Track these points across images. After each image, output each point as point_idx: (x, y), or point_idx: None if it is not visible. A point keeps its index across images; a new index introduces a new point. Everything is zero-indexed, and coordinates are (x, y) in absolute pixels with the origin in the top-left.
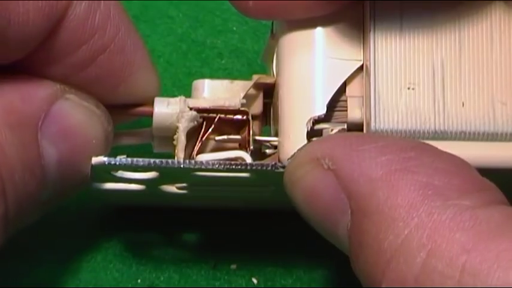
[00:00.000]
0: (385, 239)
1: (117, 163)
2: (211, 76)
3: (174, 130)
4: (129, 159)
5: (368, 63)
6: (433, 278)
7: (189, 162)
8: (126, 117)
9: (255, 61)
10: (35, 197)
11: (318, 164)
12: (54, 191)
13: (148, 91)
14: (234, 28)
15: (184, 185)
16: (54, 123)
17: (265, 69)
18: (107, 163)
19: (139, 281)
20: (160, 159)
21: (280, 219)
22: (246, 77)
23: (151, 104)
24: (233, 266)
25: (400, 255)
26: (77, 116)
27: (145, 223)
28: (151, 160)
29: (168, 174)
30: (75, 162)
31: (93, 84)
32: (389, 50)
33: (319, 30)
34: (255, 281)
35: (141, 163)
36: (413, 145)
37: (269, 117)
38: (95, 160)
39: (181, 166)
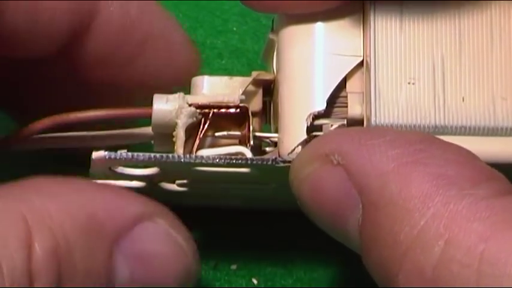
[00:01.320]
0: (401, 231)
1: (118, 157)
2: None
3: (174, 127)
4: (130, 154)
5: (368, 58)
6: (452, 268)
7: (190, 156)
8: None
9: (255, 61)
10: None
11: (327, 161)
12: None
13: (191, 67)
14: (234, 28)
15: (184, 181)
16: (133, 243)
17: (265, 69)
18: (107, 157)
19: None
20: (160, 154)
21: (280, 219)
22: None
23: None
24: (233, 266)
25: (417, 246)
26: (159, 243)
27: None
28: (152, 154)
29: (169, 170)
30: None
31: (146, 75)
32: (389, 45)
33: (319, 26)
34: (255, 281)
35: (142, 157)
36: (422, 138)
37: (269, 115)
38: (95, 155)
39: (182, 160)
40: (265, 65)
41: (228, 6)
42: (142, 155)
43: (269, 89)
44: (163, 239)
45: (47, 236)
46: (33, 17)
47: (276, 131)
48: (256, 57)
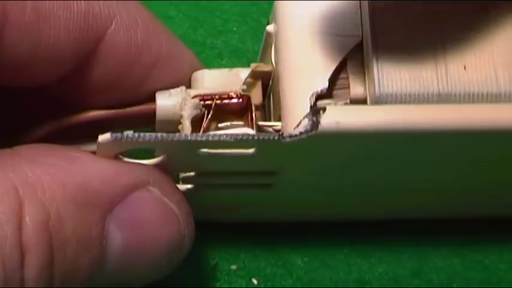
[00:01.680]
0: None
1: (124, 137)
2: None
3: (177, 122)
4: (136, 134)
5: (368, 37)
6: None
7: (196, 135)
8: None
9: (255, 61)
10: (87, 274)
11: None
12: (115, 279)
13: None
14: (234, 28)
15: (192, 174)
16: (127, 210)
17: None
18: (113, 138)
19: None
20: (167, 133)
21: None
22: None
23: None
24: (233, 267)
25: None
26: (152, 209)
27: None
28: (158, 134)
29: (175, 156)
30: (140, 255)
31: (151, 98)
32: (388, 21)
33: (317, 7)
34: (255, 281)
35: (148, 137)
36: None
37: (268, 111)
38: (102, 138)
39: (188, 138)
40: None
41: (228, 6)
42: (149, 135)
43: (268, 84)
44: (155, 206)
45: (39, 208)
46: (35, 44)
47: (279, 119)
48: (256, 57)
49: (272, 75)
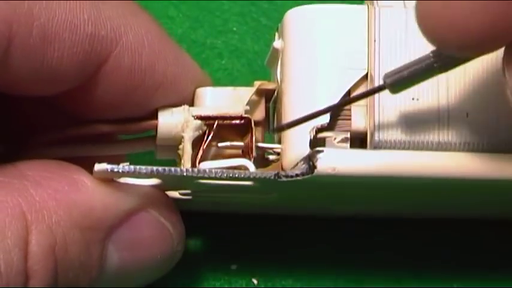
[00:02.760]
0: None
1: (120, 170)
2: (212, 76)
3: (179, 141)
4: (132, 167)
5: (373, 72)
6: None
7: (192, 170)
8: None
9: (255, 61)
10: None
11: None
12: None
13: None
14: (234, 28)
15: (188, 191)
16: (127, 232)
17: (265, 70)
18: (109, 170)
19: None
20: (163, 167)
21: (280, 219)
22: (247, 77)
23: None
24: (233, 266)
25: None
26: (150, 230)
27: None
28: (154, 168)
29: (171, 182)
30: (134, 271)
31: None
32: (394, 60)
33: (325, 38)
34: (255, 281)
35: (144, 171)
36: None
37: (273, 123)
38: (98, 167)
39: (184, 174)
40: (266, 68)
41: (228, 6)
42: (145, 168)
43: (272, 96)
44: (153, 227)
45: (46, 233)
46: (38, 65)
47: (280, 140)
48: (256, 57)
49: (276, 91)
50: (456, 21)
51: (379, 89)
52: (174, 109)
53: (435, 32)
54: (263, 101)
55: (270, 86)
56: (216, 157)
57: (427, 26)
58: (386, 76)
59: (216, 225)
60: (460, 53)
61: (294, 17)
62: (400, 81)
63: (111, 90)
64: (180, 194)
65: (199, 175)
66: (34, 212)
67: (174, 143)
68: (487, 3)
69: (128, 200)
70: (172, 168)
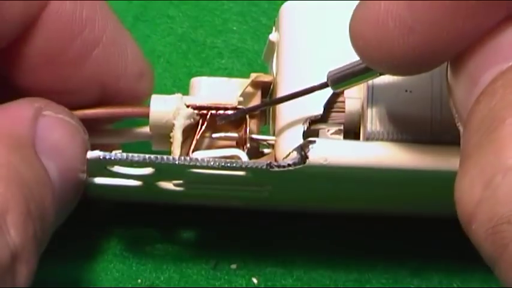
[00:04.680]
0: None
1: (112, 158)
2: (212, 76)
3: (171, 128)
4: (124, 154)
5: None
6: None
7: (184, 158)
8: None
9: (255, 61)
10: (52, 212)
11: None
12: (59, 208)
13: (144, 85)
14: (234, 28)
15: (181, 182)
16: (44, 140)
17: (266, 69)
18: (101, 157)
19: (139, 281)
20: (155, 155)
21: (280, 219)
22: (247, 76)
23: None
24: (233, 266)
25: None
26: (58, 130)
27: (145, 223)
28: (146, 156)
29: (164, 171)
30: (71, 175)
31: (94, 83)
32: None
33: (318, 32)
34: (255, 281)
35: (136, 158)
36: None
37: (268, 116)
38: (90, 154)
39: (176, 162)
40: (266, 66)
41: (228, 6)
42: (137, 156)
43: (268, 90)
44: (58, 126)
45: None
46: None
47: (274, 133)
48: (256, 57)
49: (272, 84)
50: (383, 44)
51: (322, 86)
52: (167, 97)
53: (365, 52)
54: (259, 94)
55: (266, 78)
56: (210, 148)
57: (358, 45)
58: (330, 73)
59: (216, 225)
60: (389, 73)
61: (289, 10)
62: (340, 78)
63: (49, 39)
64: (174, 185)
65: (192, 163)
66: None
67: (167, 131)
68: (414, 29)
69: (25, 108)
70: (165, 157)
